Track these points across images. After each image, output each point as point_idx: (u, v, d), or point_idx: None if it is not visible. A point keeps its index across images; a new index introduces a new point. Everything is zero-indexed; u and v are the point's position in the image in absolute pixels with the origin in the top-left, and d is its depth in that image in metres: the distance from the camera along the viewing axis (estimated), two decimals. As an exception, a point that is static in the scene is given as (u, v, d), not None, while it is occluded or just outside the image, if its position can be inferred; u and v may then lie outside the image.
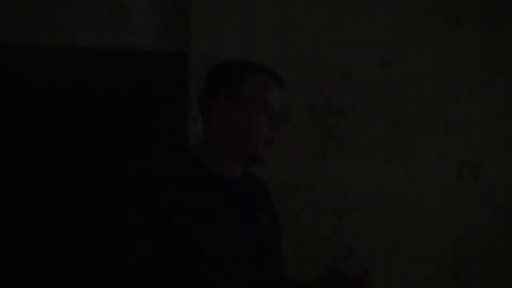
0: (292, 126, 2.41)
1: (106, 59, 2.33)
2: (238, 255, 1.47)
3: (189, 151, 1.60)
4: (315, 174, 2.40)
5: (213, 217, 1.46)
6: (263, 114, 1.53)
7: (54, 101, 2.30)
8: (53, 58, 2.31)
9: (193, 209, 1.43)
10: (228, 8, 2.38)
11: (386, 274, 2.41)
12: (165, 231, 1.38)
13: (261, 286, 1.50)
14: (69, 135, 2.31)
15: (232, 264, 1.44)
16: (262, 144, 1.53)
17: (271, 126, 1.54)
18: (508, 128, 2.58)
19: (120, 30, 2.35)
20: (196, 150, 1.57)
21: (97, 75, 2.33)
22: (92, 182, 2.28)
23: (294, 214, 2.36)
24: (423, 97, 2.51)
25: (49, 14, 2.30)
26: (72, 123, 2.31)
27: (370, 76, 2.48)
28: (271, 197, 1.72)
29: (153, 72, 2.36)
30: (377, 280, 2.35)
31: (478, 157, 2.54)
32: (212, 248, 1.41)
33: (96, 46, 2.32)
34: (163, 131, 2.33)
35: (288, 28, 2.43)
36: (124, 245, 1.39)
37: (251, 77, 1.55)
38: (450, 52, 2.55)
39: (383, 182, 2.46)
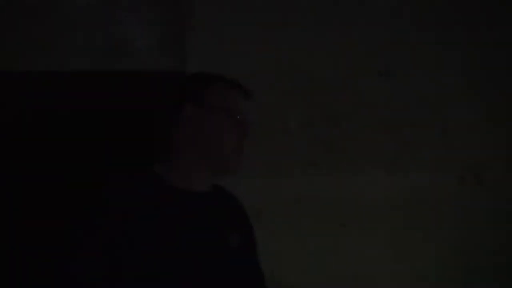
0: (292, 139, 2.42)
1: (105, 81, 2.42)
2: (187, 265, 1.45)
3: (152, 164, 1.58)
4: (317, 187, 2.39)
5: (166, 230, 1.45)
6: (229, 121, 1.54)
7: (58, 122, 2.44)
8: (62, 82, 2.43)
9: (143, 220, 1.43)
10: (223, 26, 2.42)
11: (391, 282, 2.42)
12: (115, 241, 1.40)
13: None
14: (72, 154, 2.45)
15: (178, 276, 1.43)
16: (229, 151, 1.53)
17: (238, 133, 1.55)
18: (507, 132, 2.53)
19: (117, 53, 2.42)
20: (160, 163, 1.56)
21: (98, 98, 2.43)
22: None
23: (296, 228, 2.37)
24: (422, 105, 2.50)
25: (48, 40, 2.39)
26: (76, 141, 2.45)
27: (369, 86, 2.47)
28: (243, 212, 1.69)
29: (152, 92, 2.44)
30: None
31: (479, 162, 2.50)
32: (162, 259, 1.41)
33: (96, 70, 2.40)
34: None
35: (284, 41, 2.44)
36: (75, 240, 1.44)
37: (215, 86, 1.58)
38: (447, 59, 2.52)
39: (385, 192, 2.44)
